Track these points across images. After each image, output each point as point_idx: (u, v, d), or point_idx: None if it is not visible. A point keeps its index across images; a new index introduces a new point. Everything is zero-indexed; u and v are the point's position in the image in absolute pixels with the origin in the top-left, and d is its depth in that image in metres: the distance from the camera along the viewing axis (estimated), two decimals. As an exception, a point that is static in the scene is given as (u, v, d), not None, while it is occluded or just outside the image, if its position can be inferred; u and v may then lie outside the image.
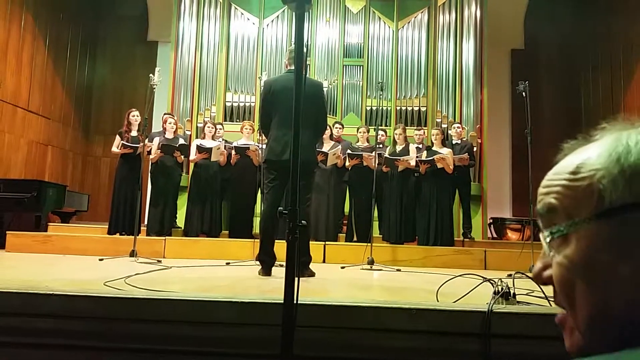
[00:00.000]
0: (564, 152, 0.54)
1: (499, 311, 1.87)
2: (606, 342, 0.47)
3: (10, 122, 7.51)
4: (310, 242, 3.99)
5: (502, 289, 2.09)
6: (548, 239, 0.52)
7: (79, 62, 9.28)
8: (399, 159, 6.00)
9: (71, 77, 9.06)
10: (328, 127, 5.53)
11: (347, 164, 6.21)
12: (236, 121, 7.51)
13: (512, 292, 2.11)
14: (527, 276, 2.97)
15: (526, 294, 2.57)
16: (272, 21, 8.01)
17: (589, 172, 0.49)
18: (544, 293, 2.45)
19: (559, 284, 0.51)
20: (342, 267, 4.78)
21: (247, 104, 7.73)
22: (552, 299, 0.56)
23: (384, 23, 8.01)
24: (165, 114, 6.65)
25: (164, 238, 5.60)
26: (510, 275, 3.06)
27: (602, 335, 0.48)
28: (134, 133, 6.18)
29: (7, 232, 5.67)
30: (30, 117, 7.96)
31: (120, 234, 5.90)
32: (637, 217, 0.46)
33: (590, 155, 0.50)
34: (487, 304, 1.91)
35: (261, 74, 6.85)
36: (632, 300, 0.46)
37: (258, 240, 3.84)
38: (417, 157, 6.07)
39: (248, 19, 8.03)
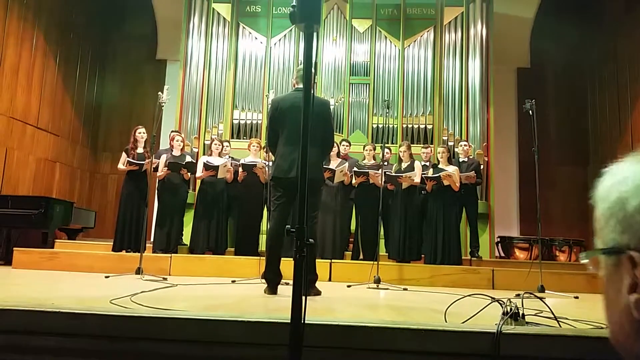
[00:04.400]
0: None
1: (508, 332, 1.84)
2: None
3: (20, 139, 7.58)
4: (317, 260, 3.97)
5: (510, 309, 2.06)
6: None
7: (88, 80, 9.40)
8: (401, 176, 5.98)
9: (80, 94, 9.17)
10: (335, 144, 5.55)
11: (353, 181, 6.21)
12: (243, 138, 7.55)
13: (521, 312, 2.08)
14: (536, 296, 2.94)
15: (535, 315, 2.54)
16: (280, 40, 8.10)
17: None
18: (552, 314, 2.42)
19: None
20: (349, 286, 4.74)
21: (254, 122, 7.78)
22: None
23: (390, 42, 8.07)
24: (172, 131, 6.69)
25: (169, 255, 5.60)
26: (518, 295, 3.03)
27: None
28: (140, 150, 6.21)
29: (14, 248, 5.70)
30: (39, 134, 8.04)
31: (126, 251, 5.90)
32: None
33: None
34: (496, 324, 1.89)
35: (268, 92, 6.89)
36: None
37: (264, 258, 3.82)
38: (422, 174, 6.05)
39: (256, 38, 8.12)
